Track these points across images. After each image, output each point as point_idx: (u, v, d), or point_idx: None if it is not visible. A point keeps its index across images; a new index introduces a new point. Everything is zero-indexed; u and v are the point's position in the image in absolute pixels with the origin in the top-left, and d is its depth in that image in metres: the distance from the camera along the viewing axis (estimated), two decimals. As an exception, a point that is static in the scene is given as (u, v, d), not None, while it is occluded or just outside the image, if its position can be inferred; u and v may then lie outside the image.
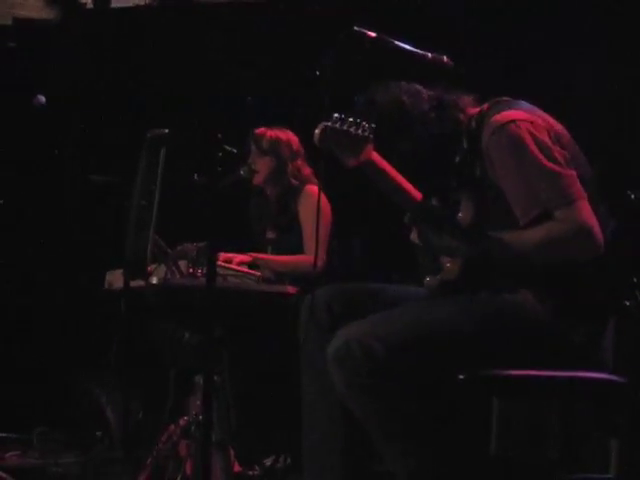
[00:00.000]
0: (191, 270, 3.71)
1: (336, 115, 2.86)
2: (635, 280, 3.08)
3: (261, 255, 4.36)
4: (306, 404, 3.08)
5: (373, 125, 2.89)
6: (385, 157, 3.01)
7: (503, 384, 2.81)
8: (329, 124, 2.86)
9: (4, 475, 3.78)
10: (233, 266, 4.01)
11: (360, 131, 2.88)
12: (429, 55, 3.12)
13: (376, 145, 2.94)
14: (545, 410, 3.37)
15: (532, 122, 2.89)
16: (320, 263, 4.34)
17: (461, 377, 2.75)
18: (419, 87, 3.05)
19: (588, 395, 2.90)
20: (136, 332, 4.38)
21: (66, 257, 5.69)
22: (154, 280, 3.62)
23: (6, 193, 4.45)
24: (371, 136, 2.89)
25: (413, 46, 3.13)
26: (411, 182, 3.09)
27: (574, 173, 2.85)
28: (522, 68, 4.70)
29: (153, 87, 5.59)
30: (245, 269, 4.01)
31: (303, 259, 4.41)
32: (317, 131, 2.87)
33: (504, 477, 3.10)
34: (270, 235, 4.64)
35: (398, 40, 3.12)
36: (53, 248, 5.71)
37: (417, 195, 3.09)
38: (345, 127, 2.87)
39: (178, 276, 3.70)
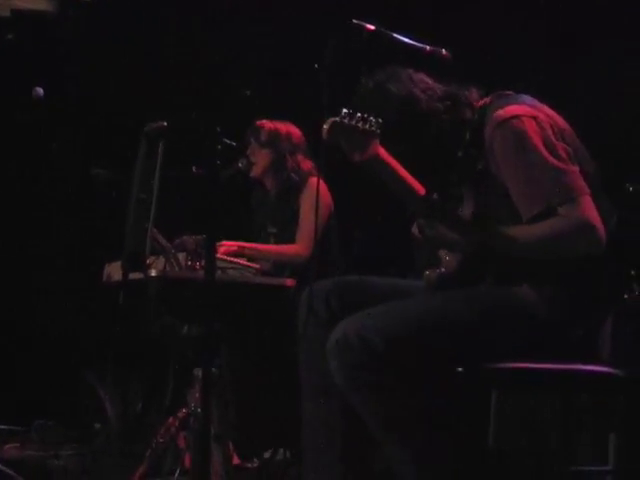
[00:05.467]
0: (190, 263, 3.72)
1: (345, 110, 2.87)
2: (633, 273, 3.09)
3: (248, 244, 4.35)
4: (305, 397, 3.08)
5: (380, 120, 2.90)
6: (389, 151, 3.01)
7: (502, 376, 2.82)
8: (337, 119, 2.86)
9: (2, 467, 3.78)
10: (231, 258, 4.01)
11: (367, 126, 2.89)
12: (427, 48, 3.12)
13: (382, 139, 2.95)
14: (543, 402, 3.37)
15: (535, 117, 2.89)
16: (307, 252, 4.35)
17: (459, 369, 2.76)
18: (428, 79, 3.05)
19: (587, 387, 2.91)
20: (135, 324, 4.39)
21: (65, 250, 5.69)
22: (153, 273, 3.62)
23: (5, 187, 4.45)
24: (378, 131, 2.90)
25: (411, 39, 3.12)
26: (414, 176, 3.09)
27: (577, 169, 2.85)
28: (523, 61, 4.69)
29: (152, 79, 5.59)
30: (243, 262, 4.02)
31: (290, 248, 4.42)
32: (325, 126, 2.87)
33: (502, 470, 3.10)
34: (271, 229, 4.64)
35: (396, 33, 3.12)
36: (52, 241, 5.71)
37: (420, 189, 3.10)
38: (353, 122, 2.88)
39: (177, 269, 3.71)
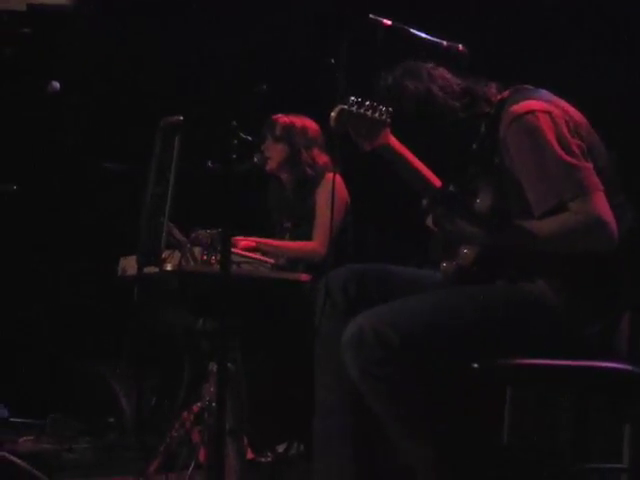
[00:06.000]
0: (205, 257, 3.72)
1: (353, 98, 2.86)
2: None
3: (264, 240, 4.35)
4: (319, 388, 3.08)
5: (390, 109, 2.89)
6: (404, 142, 3.01)
7: (518, 373, 2.81)
8: (345, 107, 2.86)
9: (18, 460, 3.79)
10: (247, 253, 4.02)
11: (377, 115, 2.88)
12: (444, 43, 3.11)
13: (395, 129, 2.94)
14: (558, 399, 3.37)
15: (550, 113, 2.88)
16: (324, 249, 4.34)
17: (475, 366, 2.75)
18: (448, 75, 3.04)
19: (603, 384, 2.90)
20: (150, 319, 4.39)
21: (80, 244, 5.70)
22: (168, 267, 3.63)
23: (20, 180, 4.46)
24: (388, 120, 2.90)
25: (427, 34, 3.12)
26: (430, 168, 3.09)
27: (590, 165, 2.84)
28: (542, 55, 4.68)
29: (168, 73, 5.60)
30: (259, 256, 4.02)
31: (307, 245, 4.41)
32: (333, 114, 2.87)
33: (516, 466, 3.10)
34: (287, 224, 4.63)
35: (413, 28, 3.12)
36: (67, 235, 5.73)
37: (436, 181, 3.09)
38: (362, 110, 2.87)
39: (192, 263, 3.71)
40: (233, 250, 3.79)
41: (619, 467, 2.97)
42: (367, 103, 2.88)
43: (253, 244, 4.24)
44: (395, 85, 3.02)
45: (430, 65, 3.05)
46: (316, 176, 4.52)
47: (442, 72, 3.04)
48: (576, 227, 2.80)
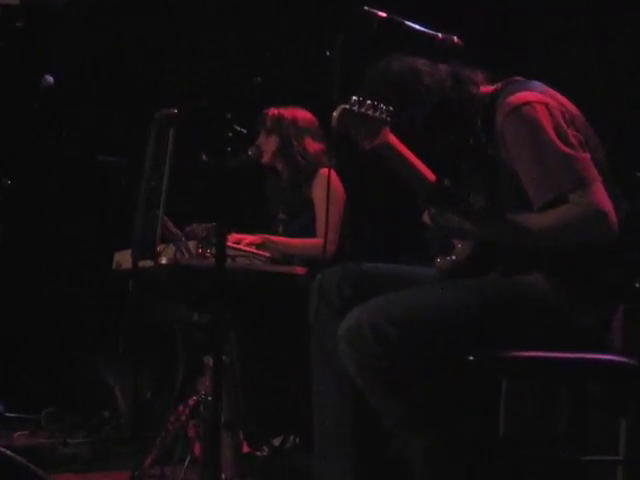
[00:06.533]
0: (200, 251, 3.71)
1: (354, 98, 2.86)
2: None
3: (272, 237, 4.34)
4: (316, 385, 3.08)
5: (390, 108, 2.89)
6: (400, 137, 3.00)
7: (513, 365, 2.81)
8: (347, 107, 2.86)
9: (13, 455, 3.78)
10: (242, 246, 4.01)
11: (378, 114, 2.88)
12: (439, 35, 3.10)
13: (393, 127, 2.94)
14: (554, 391, 3.37)
15: (547, 104, 2.87)
16: (332, 247, 4.33)
17: (471, 358, 2.75)
18: (431, 62, 3.05)
19: (599, 376, 2.90)
20: (145, 312, 4.39)
21: (74, 238, 5.70)
22: (163, 260, 3.62)
23: (14, 174, 4.45)
24: (389, 119, 2.89)
25: (423, 26, 3.11)
26: (425, 163, 3.08)
27: (588, 156, 2.84)
28: (533, 46, 4.67)
29: (162, 67, 5.59)
30: (254, 250, 4.01)
31: (314, 242, 4.39)
32: (335, 114, 2.87)
33: (512, 459, 3.10)
34: (281, 216, 4.62)
35: (408, 20, 3.11)
36: (61, 228, 5.72)
37: (431, 177, 3.09)
38: (363, 110, 2.87)
39: (187, 257, 3.71)
40: (229, 244, 3.79)
41: (615, 459, 2.97)
42: (368, 102, 2.87)
43: (259, 240, 4.22)
44: (380, 72, 3.03)
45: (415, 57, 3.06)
46: (308, 165, 4.51)
47: (425, 60, 3.05)
48: (577, 219, 2.79)
